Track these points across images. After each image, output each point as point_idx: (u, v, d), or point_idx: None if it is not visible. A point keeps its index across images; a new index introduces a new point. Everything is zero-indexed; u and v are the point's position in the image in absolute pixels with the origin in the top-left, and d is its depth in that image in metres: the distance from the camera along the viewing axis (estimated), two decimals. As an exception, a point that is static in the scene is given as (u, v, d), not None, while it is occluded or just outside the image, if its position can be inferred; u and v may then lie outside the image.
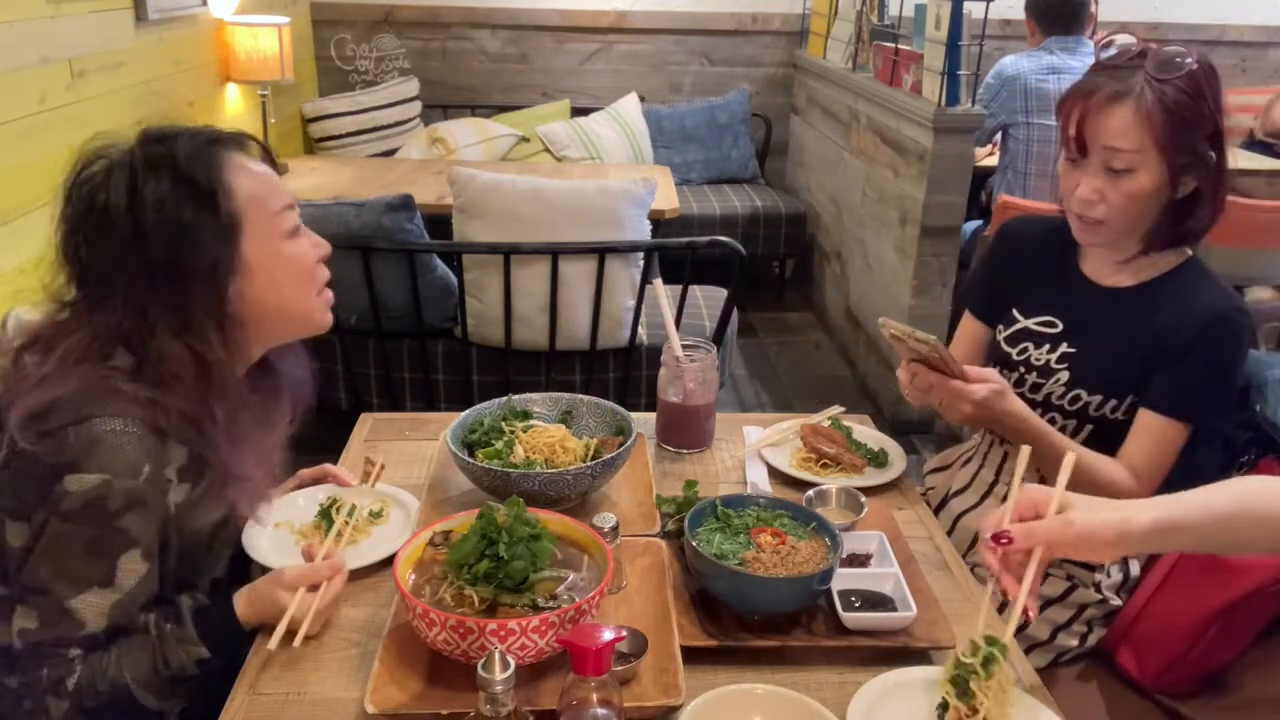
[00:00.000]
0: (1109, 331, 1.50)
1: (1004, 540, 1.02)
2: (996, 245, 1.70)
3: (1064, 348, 1.53)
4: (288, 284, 1.17)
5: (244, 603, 1.16)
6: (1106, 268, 1.54)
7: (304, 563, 1.20)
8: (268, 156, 1.22)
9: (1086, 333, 1.53)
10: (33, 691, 1.08)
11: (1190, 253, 1.50)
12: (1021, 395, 1.55)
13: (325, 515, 1.37)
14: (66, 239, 1.13)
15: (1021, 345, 1.58)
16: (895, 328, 1.37)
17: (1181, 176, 1.41)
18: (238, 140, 1.20)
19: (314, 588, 1.15)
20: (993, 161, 3.79)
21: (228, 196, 1.13)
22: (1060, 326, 1.55)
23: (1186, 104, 1.37)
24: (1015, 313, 1.62)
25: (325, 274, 1.23)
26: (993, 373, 1.43)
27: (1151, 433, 1.43)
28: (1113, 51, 1.43)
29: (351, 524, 1.34)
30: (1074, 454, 1.08)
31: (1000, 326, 1.64)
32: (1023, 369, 1.57)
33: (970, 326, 1.72)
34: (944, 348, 1.36)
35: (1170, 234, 1.46)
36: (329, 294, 1.23)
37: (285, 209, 1.18)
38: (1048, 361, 1.54)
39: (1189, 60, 1.37)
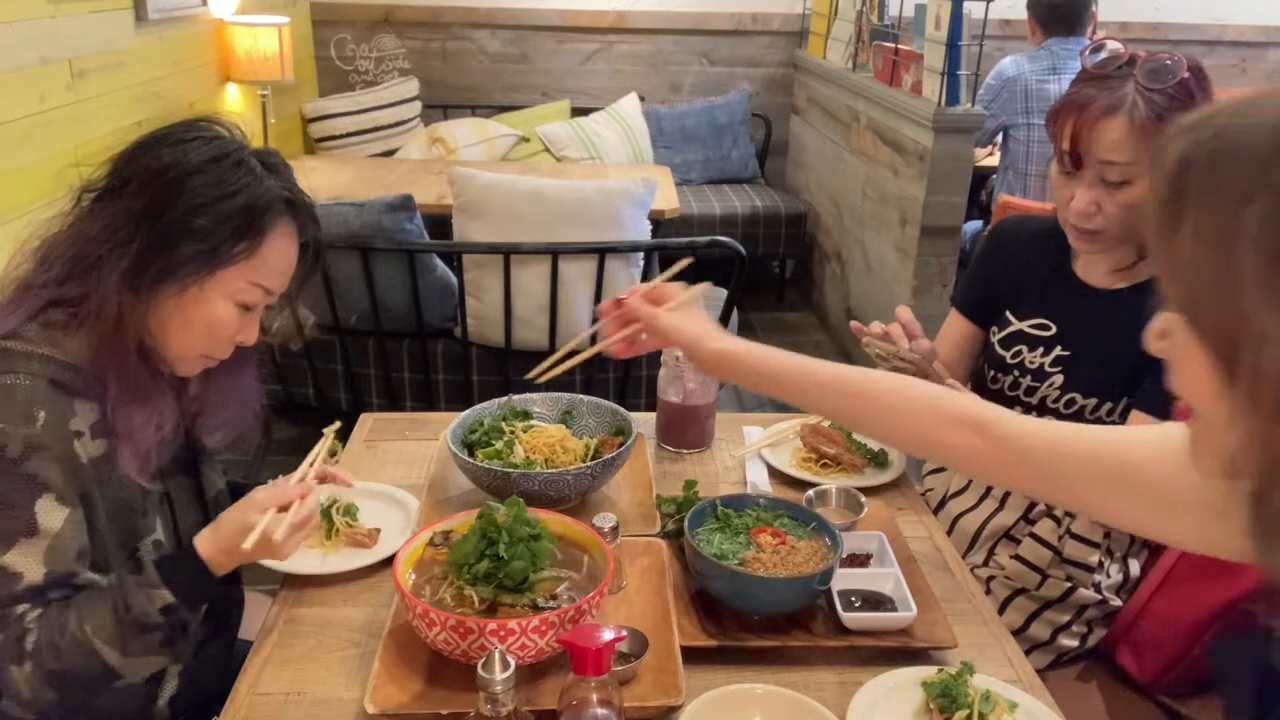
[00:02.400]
0: (1103, 335, 1.50)
1: (617, 303, 1.22)
2: (990, 246, 1.70)
3: (1058, 350, 1.53)
4: (191, 328, 1.17)
5: (207, 537, 1.14)
6: (1100, 270, 1.53)
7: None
8: (309, 249, 1.25)
9: (1080, 336, 1.52)
10: None
11: None
12: (1016, 398, 1.56)
13: (326, 515, 1.37)
14: (130, 150, 1.16)
15: (1015, 348, 1.58)
16: (880, 348, 1.37)
17: None
18: (312, 219, 1.24)
19: (284, 509, 1.15)
20: (993, 162, 3.79)
21: (254, 242, 1.16)
22: (1054, 329, 1.55)
23: (1180, 112, 1.36)
24: (1009, 315, 1.61)
25: (223, 353, 1.23)
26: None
27: None
28: (1101, 57, 1.42)
29: (347, 521, 1.35)
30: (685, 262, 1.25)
31: (994, 328, 1.64)
32: (1017, 372, 1.56)
33: (957, 326, 1.71)
34: (928, 364, 1.35)
35: None
36: (211, 362, 1.23)
37: (263, 291, 1.20)
38: (1041, 365, 1.54)
39: (1180, 68, 1.36)
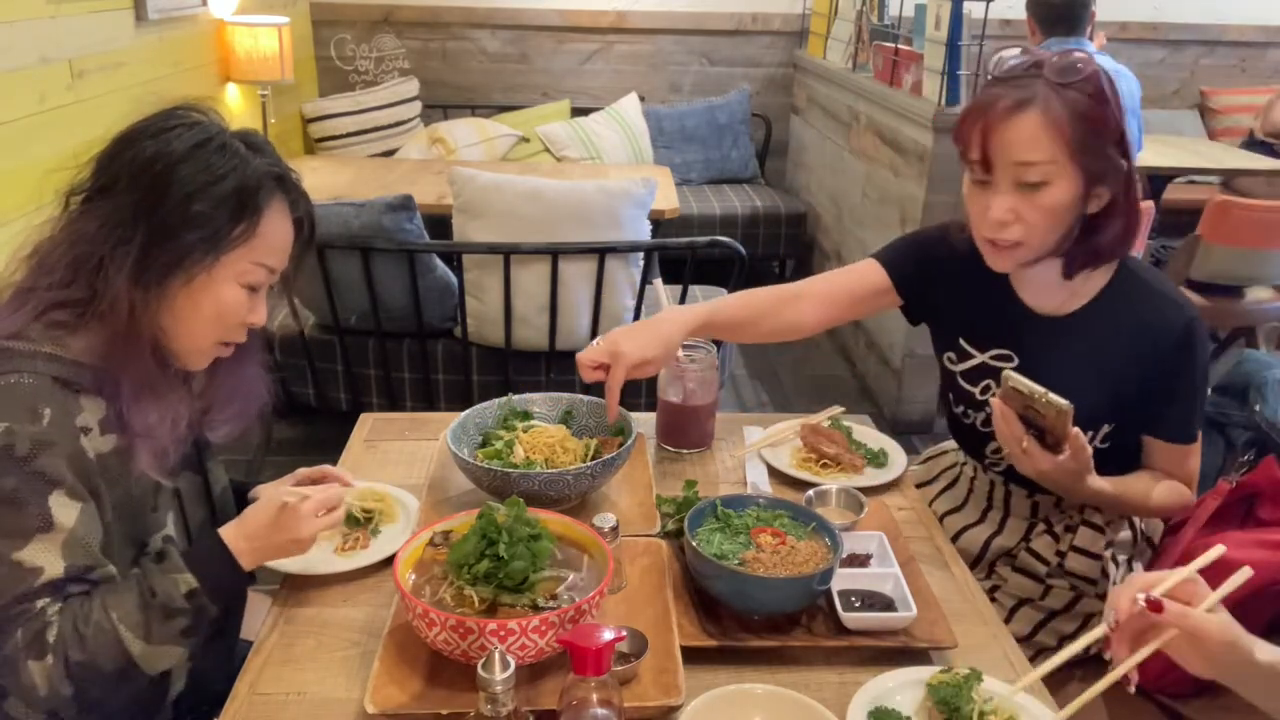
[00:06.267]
0: (1064, 363, 1.43)
1: (1155, 607, 1.00)
2: (931, 239, 1.60)
3: None
4: (202, 317, 1.17)
5: (231, 526, 1.17)
6: (1043, 294, 1.47)
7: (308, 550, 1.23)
8: (303, 224, 1.25)
9: (1042, 365, 1.43)
10: (11, 663, 1.04)
11: (1117, 261, 1.44)
12: (990, 434, 1.49)
13: (354, 521, 1.37)
14: (113, 147, 1.16)
15: (983, 382, 1.52)
16: (1023, 384, 1.27)
17: (1095, 187, 1.34)
18: (302, 193, 1.24)
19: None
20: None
21: (252, 222, 1.16)
22: (1016, 360, 1.49)
23: (1093, 108, 1.30)
24: (965, 344, 1.54)
25: (238, 337, 1.23)
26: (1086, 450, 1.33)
27: (1176, 459, 1.43)
28: (1009, 64, 1.36)
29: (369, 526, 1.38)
30: (1248, 570, 1.06)
31: (952, 356, 1.57)
32: (989, 408, 1.45)
33: (874, 277, 1.60)
34: (1070, 414, 1.26)
35: (1086, 253, 1.39)
36: (225, 350, 1.24)
37: (267, 270, 1.20)
38: None
39: (1089, 64, 1.31)
